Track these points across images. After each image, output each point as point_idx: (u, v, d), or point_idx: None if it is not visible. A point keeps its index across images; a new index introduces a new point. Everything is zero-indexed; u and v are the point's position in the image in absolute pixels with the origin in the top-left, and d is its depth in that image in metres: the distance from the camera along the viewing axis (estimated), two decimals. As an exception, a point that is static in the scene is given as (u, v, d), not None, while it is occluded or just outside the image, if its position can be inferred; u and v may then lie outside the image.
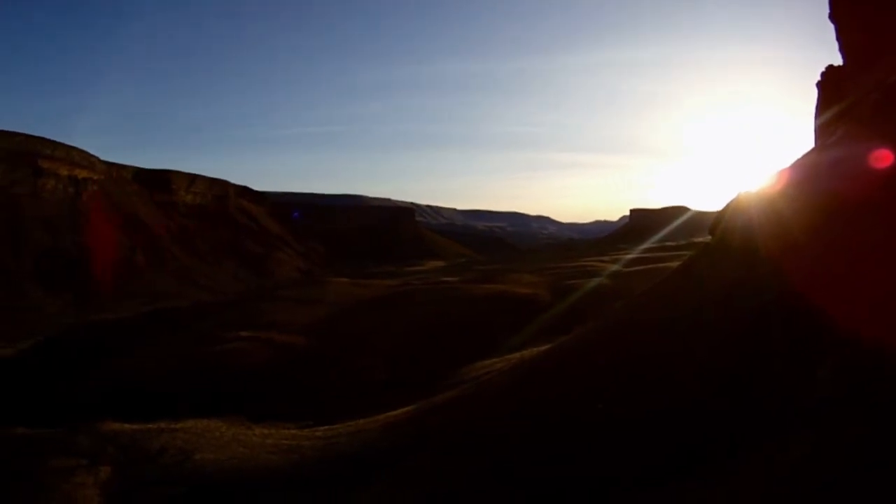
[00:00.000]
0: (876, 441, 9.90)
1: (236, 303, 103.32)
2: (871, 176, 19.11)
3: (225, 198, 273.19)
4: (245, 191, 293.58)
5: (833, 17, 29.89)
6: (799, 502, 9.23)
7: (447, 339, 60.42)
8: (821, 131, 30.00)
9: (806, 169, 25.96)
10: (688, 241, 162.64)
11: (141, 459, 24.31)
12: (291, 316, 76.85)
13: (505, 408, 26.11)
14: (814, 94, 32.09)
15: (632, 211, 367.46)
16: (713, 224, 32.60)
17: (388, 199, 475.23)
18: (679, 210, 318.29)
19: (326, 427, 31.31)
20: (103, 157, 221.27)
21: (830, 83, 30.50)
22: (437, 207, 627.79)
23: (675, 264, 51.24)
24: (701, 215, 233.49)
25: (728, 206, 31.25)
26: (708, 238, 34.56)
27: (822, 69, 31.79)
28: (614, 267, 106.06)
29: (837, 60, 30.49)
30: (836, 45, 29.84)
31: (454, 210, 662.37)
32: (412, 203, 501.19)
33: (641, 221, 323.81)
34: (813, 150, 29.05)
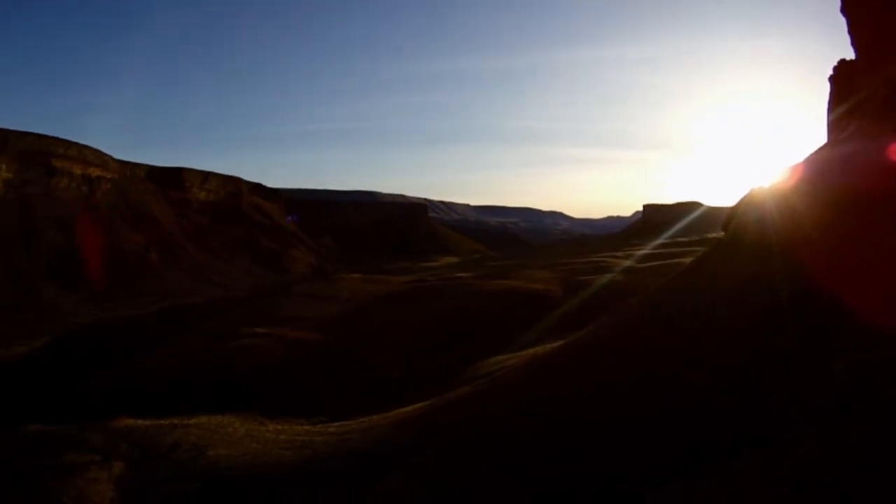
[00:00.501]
0: (877, 440, 9.90)
1: (250, 299, 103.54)
2: (884, 170, 19.08)
3: (238, 195, 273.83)
4: (258, 188, 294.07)
5: (845, 11, 29.77)
6: (803, 502, 9.22)
7: (461, 334, 60.44)
8: (833, 126, 29.93)
9: (819, 164, 25.92)
10: (701, 236, 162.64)
11: (154, 455, 24.39)
12: (305, 312, 77.00)
13: (516, 404, 26.14)
14: (826, 88, 32.00)
15: (645, 206, 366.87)
16: (726, 220, 32.57)
17: (402, 195, 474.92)
18: (692, 205, 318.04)
19: (339, 423, 31.34)
20: (116, 156, 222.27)
21: (843, 78, 30.40)
22: (450, 203, 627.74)
23: (687, 260, 51.24)
24: (714, 211, 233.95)
25: (741, 201, 31.23)
26: (721, 234, 34.51)
27: (835, 64, 31.70)
28: (627, 263, 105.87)
29: (850, 55, 30.38)
30: (848, 40, 29.73)
31: (467, 206, 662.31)
32: (425, 199, 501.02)
33: (654, 217, 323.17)
34: (825, 145, 29.00)
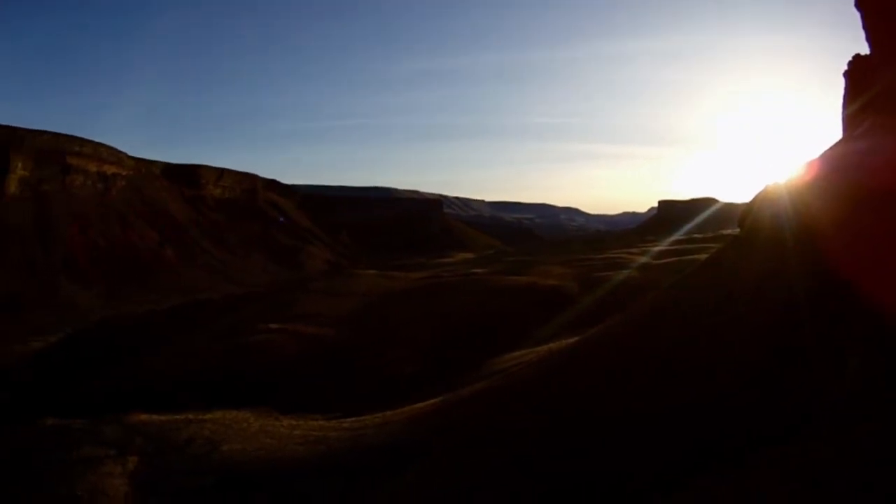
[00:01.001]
0: (886, 437, 9.85)
1: (265, 295, 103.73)
2: (899, 167, 18.95)
3: (253, 191, 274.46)
4: (273, 184, 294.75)
5: (859, 5, 29.56)
6: (815, 500, 9.16)
7: (476, 330, 60.43)
8: (848, 122, 29.74)
9: (834, 160, 25.78)
10: (716, 233, 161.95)
11: (168, 450, 24.48)
12: (320, 308, 77.06)
13: (529, 401, 26.13)
14: (841, 83, 31.79)
15: (660, 202, 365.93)
16: (742, 216, 32.45)
17: (417, 192, 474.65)
18: (707, 202, 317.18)
19: (354, 419, 31.39)
20: (132, 154, 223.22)
21: (857, 73, 30.18)
22: (465, 199, 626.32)
23: (703, 257, 51.05)
24: (729, 207, 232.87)
25: (756, 197, 31.09)
26: (737, 230, 34.39)
27: (850, 59, 31.48)
28: (643, 259, 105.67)
29: (865, 49, 30.15)
30: (863, 35, 29.52)
31: (483, 202, 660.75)
32: (441, 195, 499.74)
33: (670, 213, 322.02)
34: (841, 140, 28.83)
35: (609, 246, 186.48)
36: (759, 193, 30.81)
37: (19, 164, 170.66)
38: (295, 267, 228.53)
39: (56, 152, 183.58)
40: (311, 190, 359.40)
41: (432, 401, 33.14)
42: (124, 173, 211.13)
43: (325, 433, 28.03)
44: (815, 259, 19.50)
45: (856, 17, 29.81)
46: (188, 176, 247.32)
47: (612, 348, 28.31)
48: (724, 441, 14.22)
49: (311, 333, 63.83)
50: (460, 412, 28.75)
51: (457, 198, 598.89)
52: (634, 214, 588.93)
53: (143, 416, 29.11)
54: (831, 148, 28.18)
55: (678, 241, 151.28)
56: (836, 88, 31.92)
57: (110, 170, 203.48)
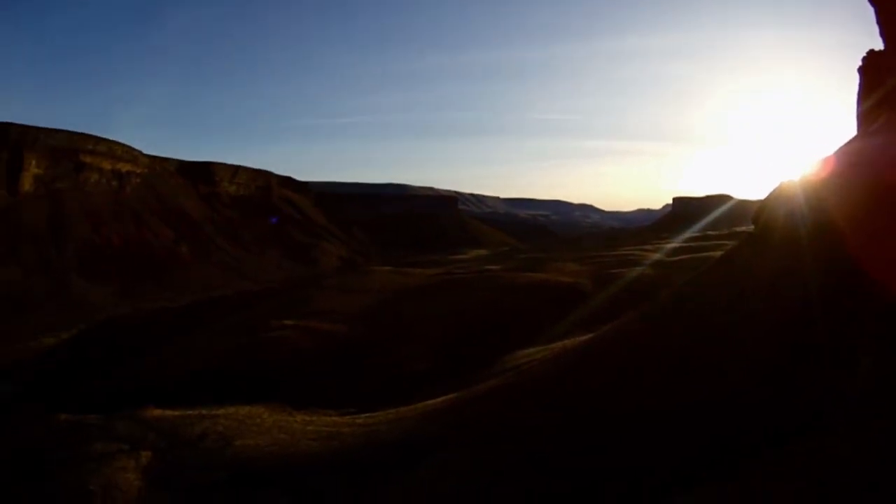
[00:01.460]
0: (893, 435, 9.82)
1: (280, 292, 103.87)
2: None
3: (268, 188, 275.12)
4: (288, 181, 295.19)
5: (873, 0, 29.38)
6: (826, 497, 9.14)
7: (490, 327, 60.43)
8: (863, 118, 29.59)
9: (849, 157, 25.65)
10: (731, 230, 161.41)
11: (181, 445, 24.56)
12: (334, 304, 77.14)
13: (544, 399, 26.10)
14: (856, 79, 31.61)
15: (675, 199, 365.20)
16: (756, 213, 32.31)
17: (432, 188, 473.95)
18: (722, 198, 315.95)
19: (367, 415, 31.41)
20: (146, 151, 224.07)
21: (872, 69, 30.00)
22: (480, 196, 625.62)
23: (717, 254, 50.93)
24: (744, 204, 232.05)
25: (770, 195, 30.96)
26: (751, 227, 34.24)
27: (864, 54, 31.28)
28: (657, 256, 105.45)
29: (880, 45, 29.96)
30: (877, 30, 29.31)
31: (497, 198, 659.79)
32: (455, 191, 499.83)
33: (684, 210, 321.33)
34: (856, 137, 28.68)
35: (623, 243, 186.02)
36: (774, 190, 30.69)
37: (33, 163, 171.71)
38: (309, 263, 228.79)
39: (70, 150, 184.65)
40: (325, 187, 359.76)
41: (446, 397, 33.14)
42: (139, 171, 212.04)
43: (338, 429, 28.06)
44: (829, 256, 19.42)
45: (870, 11, 29.64)
46: (203, 173, 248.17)
47: (626, 346, 28.28)
48: (738, 438, 14.20)
49: (325, 330, 63.92)
50: (474, 409, 28.75)
51: (471, 194, 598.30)
52: (649, 211, 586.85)
53: (157, 412, 29.22)
54: (846, 144, 28.05)
55: (693, 238, 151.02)
56: (851, 84, 31.63)
57: (125, 167, 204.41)
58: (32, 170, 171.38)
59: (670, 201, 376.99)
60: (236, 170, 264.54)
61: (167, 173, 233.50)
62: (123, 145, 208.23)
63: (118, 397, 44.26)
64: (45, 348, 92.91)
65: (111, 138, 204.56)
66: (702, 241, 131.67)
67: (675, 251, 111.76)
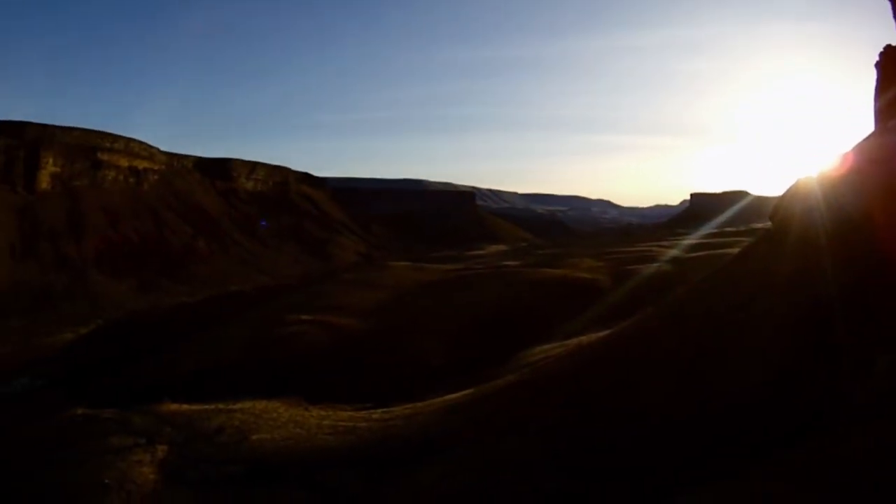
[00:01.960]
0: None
1: (297, 287, 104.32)
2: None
3: (285, 184, 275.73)
4: (306, 177, 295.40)
5: (888, -7, 29.15)
6: (834, 497, 9.12)
7: (507, 323, 60.54)
8: (881, 114, 29.40)
9: (866, 153, 25.50)
10: (748, 226, 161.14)
11: (198, 439, 24.65)
12: (351, 299, 77.33)
13: (559, 395, 26.08)
14: (873, 74, 31.39)
15: (692, 195, 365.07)
16: (773, 210, 32.16)
17: (450, 184, 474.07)
18: (739, 195, 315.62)
19: (383, 410, 31.45)
20: (164, 149, 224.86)
21: (889, 64, 29.77)
22: (497, 191, 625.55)
23: (734, 251, 50.82)
24: (761, 200, 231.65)
25: (788, 191, 30.84)
26: (769, 224, 34.12)
27: (881, 49, 31.05)
28: (674, 252, 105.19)
29: None
30: (894, 24, 29.10)
31: (515, 194, 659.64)
32: (473, 187, 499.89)
33: (702, 206, 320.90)
34: (874, 133, 28.52)
35: (641, 239, 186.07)
36: (791, 187, 30.56)
37: (50, 161, 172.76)
38: (326, 258, 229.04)
39: (87, 148, 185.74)
40: (343, 182, 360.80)
41: (462, 393, 33.18)
42: (156, 168, 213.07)
43: (354, 424, 28.12)
44: (847, 254, 19.35)
45: (887, 6, 29.47)
46: (220, 170, 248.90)
47: (641, 344, 28.26)
48: (747, 437, 14.19)
49: (341, 325, 64.10)
50: (490, 405, 28.78)
51: (489, 190, 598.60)
52: (667, 207, 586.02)
53: (173, 406, 29.36)
54: (864, 140, 27.88)
55: (710, 235, 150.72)
56: (869, 80, 31.33)
57: (142, 164, 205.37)
58: (50, 168, 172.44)
59: (688, 197, 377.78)
60: (253, 166, 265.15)
61: (184, 170, 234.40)
62: (140, 142, 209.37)
63: (135, 392, 44.55)
64: (63, 343, 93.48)
65: (128, 136, 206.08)
66: (719, 238, 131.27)
67: (692, 247, 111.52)
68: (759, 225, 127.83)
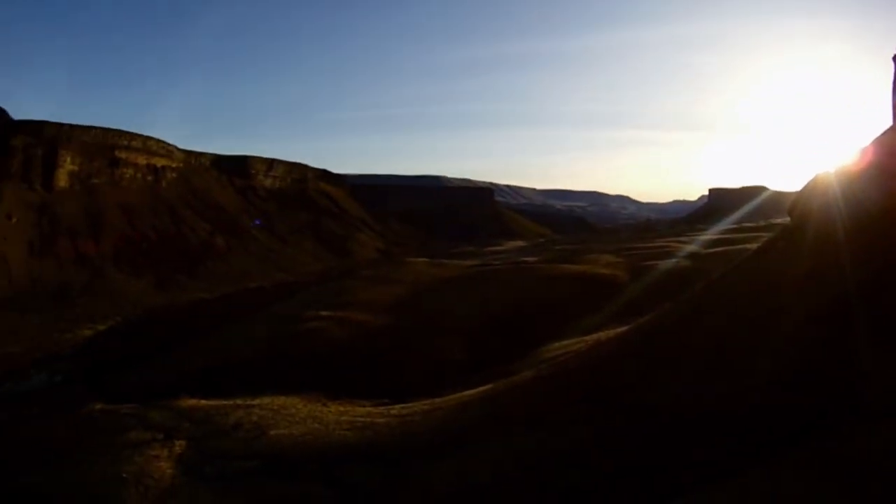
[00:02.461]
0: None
1: (316, 283, 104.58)
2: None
3: (303, 181, 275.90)
4: (324, 174, 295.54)
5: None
6: (850, 495, 9.12)
7: (526, 319, 60.55)
8: (899, 108, 29.24)
9: (884, 147, 25.40)
10: (767, 222, 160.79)
11: (216, 434, 24.76)
12: (370, 295, 77.48)
13: (578, 391, 26.07)
14: (892, 67, 31.21)
15: (710, 190, 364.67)
16: (791, 205, 32.04)
17: (468, 180, 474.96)
18: (757, 190, 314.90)
19: (401, 405, 31.47)
20: (182, 146, 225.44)
21: (908, 57, 29.61)
22: (516, 187, 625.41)
23: (753, 246, 50.69)
24: (779, 195, 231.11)
25: (806, 186, 30.72)
26: (787, 220, 34.01)
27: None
28: (693, 248, 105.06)
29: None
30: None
31: (533, 189, 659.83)
32: (491, 183, 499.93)
33: (720, 201, 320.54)
34: (892, 127, 28.39)
35: (659, 234, 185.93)
36: (810, 182, 30.46)
37: (68, 159, 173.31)
38: (345, 255, 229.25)
39: (105, 147, 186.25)
40: (361, 179, 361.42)
41: (481, 388, 33.20)
42: (174, 165, 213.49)
43: (372, 419, 28.16)
44: (865, 250, 19.28)
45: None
46: (238, 167, 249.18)
47: (661, 339, 28.18)
48: (759, 435, 14.14)
49: (359, 321, 64.26)
50: (509, 400, 28.80)
51: (507, 186, 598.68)
52: (685, 202, 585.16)
53: (191, 402, 29.51)
54: (882, 134, 27.76)
55: (728, 230, 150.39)
56: (888, 73, 31.06)
57: (160, 162, 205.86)
58: (67, 166, 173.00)
59: (706, 192, 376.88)
60: (271, 163, 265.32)
61: (202, 167, 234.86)
62: (158, 140, 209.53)
63: (153, 387, 44.71)
64: (82, 340, 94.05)
65: (146, 134, 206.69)
66: (737, 233, 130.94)
67: (711, 243, 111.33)
68: (778, 220, 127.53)
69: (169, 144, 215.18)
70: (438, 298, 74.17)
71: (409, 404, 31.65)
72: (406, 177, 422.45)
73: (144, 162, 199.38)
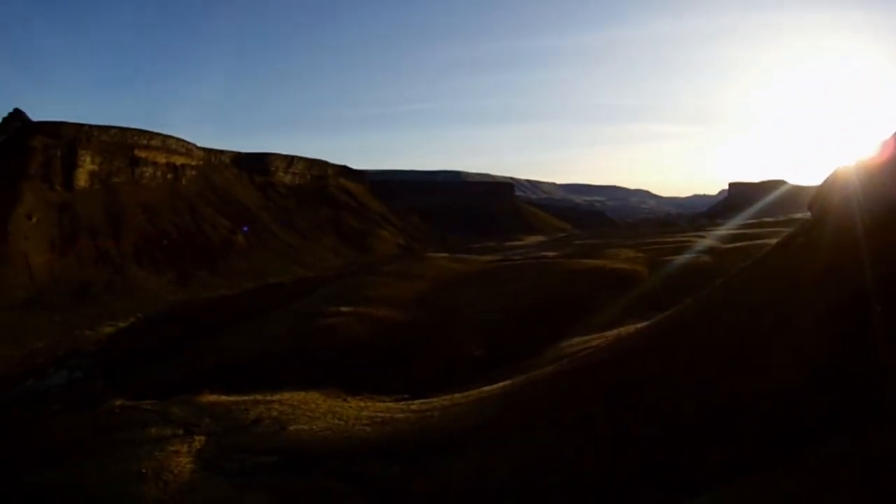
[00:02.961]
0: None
1: (336, 278, 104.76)
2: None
3: (324, 177, 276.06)
4: (344, 170, 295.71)
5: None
6: (871, 494, 9.12)
7: (545, 314, 60.50)
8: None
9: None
10: (787, 216, 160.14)
11: (235, 430, 24.94)
12: (390, 291, 77.57)
13: (598, 386, 26.06)
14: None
15: (730, 185, 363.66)
16: (811, 200, 31.89)
17: (488, 175, 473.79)
18: (777, 184, 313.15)
19: (421, 401, 31.53)
20: (202, 145, 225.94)
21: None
22: (536, 182, 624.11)
23: (773, 241, 50.56)
24: (799, 189, 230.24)
25: (826, 180, 30.59)
26: (807, 214, 33.88)
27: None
28: (713, 243, 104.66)
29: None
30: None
31: (553, 184, 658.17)
32: (511, 178, 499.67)
33: (740, 195, 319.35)
34: (914, 120, 28.17)
35: (680, 229, 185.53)
36: (830, 176, 30.32)
37: (88, 159, 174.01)
38: (366, 250, 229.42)
39: (124, 146, 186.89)
40: (381, 175, 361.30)
41: (500, 384, 33.21)
42: (194, 163, 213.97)
43: (392, 415, 28.25)
44: (886, 245, 19.21)
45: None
46: (258, 164, 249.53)
47: (679, 335, 28.14)
48: (777, 433, 14.13)
49: (380, 316, 64.37)
50: (529, 396, 28.83)
51: (527, 180, 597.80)
52: (705, 197, 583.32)
53: (212, 397, 29.71)
54: (904, 127, 27.59)
55: (748, 225, 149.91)
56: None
57: (179, 160, 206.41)
58: (87, 166, 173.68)
59: (726, 187, 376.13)
60: (291, 160, 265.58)
61: (222, 165, 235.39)
62: (178, 139, 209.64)
63: (174, 383, 44.97)
64: (103, 336, 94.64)
65: (165, 133, 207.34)
66: (757, 228, 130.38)
67: (731, 238, 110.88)
68: (799, 215, 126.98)
69: (188, 143, 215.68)
70: (458, 294, 74.22)
71: (429, 400, 31.72)
72: (426, 172, 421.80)
73: (164, 160, 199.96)
